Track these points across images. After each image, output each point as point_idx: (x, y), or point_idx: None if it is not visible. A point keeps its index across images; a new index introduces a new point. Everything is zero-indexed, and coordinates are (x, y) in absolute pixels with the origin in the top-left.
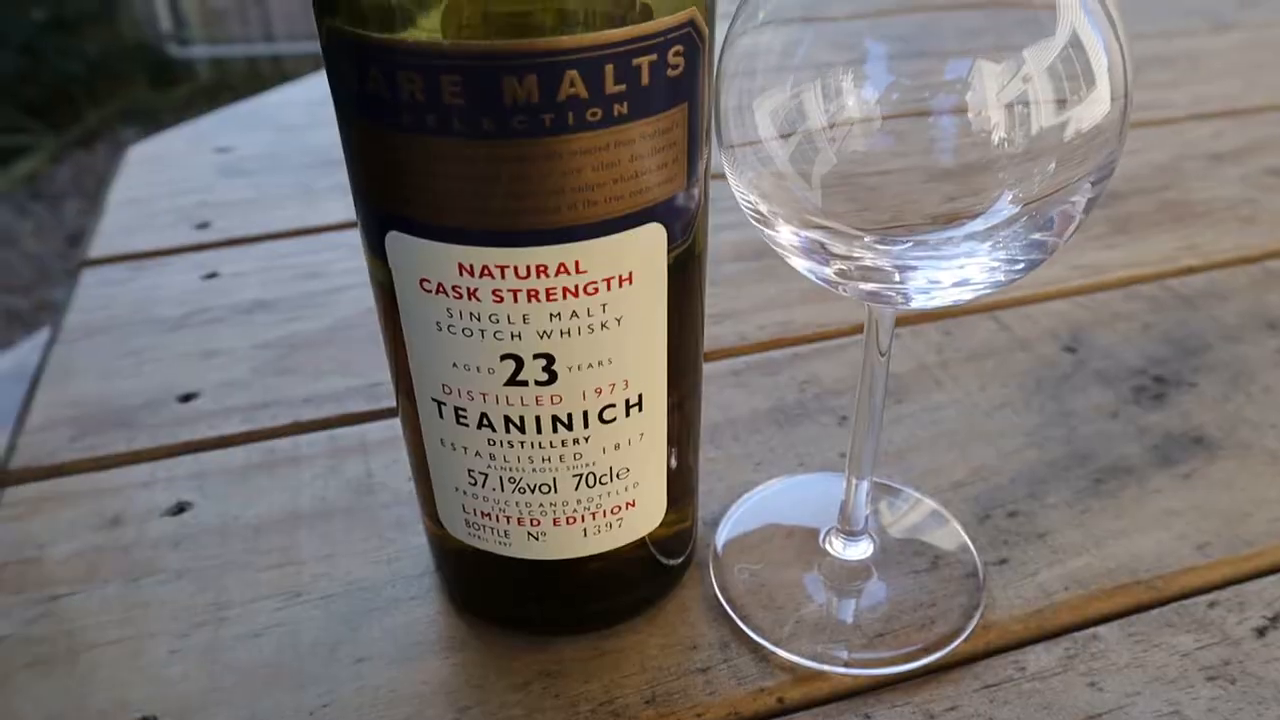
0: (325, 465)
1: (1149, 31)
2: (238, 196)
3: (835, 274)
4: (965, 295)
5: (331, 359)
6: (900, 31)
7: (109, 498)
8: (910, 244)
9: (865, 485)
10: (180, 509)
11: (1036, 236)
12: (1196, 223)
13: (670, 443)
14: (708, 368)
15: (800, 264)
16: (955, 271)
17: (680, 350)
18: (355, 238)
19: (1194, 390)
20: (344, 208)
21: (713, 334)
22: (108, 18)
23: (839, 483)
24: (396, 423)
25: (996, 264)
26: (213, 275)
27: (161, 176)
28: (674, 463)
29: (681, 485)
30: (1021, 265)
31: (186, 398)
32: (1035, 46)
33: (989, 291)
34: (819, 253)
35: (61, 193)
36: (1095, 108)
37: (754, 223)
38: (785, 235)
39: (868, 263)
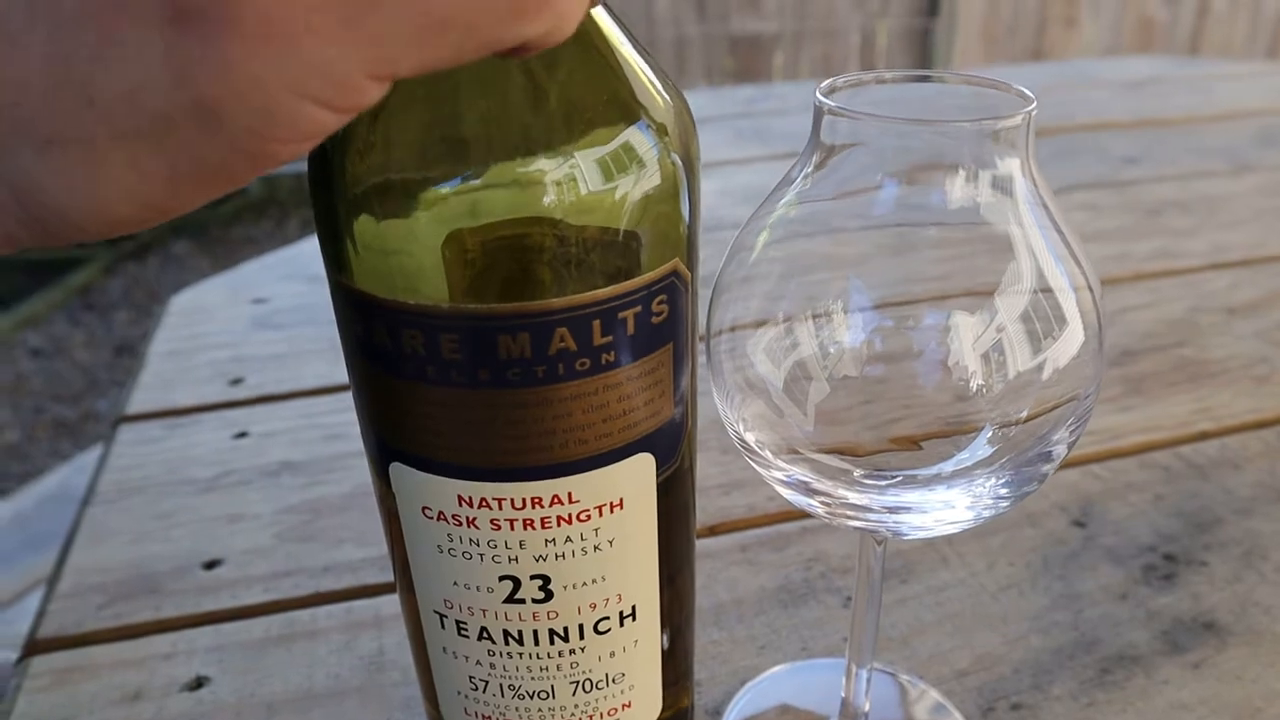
0: (341, 640)
1: (1168, 174)
2: (270, 351)
3: (824, 511)
4: (953, 529)
5: (350, 526)
6: (878, 276)
7: (132, 670)
8: (900, 479)
9: (865, 675)
10: (199, 683)
11: (1022, 471)
12: (1211, 383)
13: (664, 626)
14: (715, 543)
15: (788, 495)
16: (942, 510)
17: (671, 551)
18: None
19: (1205, 570)
20: None
21: (721, 505)
22: None
23: (842, 669)
24: None
25: (987, 499)
26: (243, 434)
27: (200, 329)
28: (666, 643)
29: (676, 669)
30: (1009, 501)
31: (211, 565)
32: (1006, 293)
33: (977, 524)
34: (803, 490)
35: (113, 303)
36: (1069, 344)
37: (744, 454)
38: (773, 473)
39: (853, 501)
